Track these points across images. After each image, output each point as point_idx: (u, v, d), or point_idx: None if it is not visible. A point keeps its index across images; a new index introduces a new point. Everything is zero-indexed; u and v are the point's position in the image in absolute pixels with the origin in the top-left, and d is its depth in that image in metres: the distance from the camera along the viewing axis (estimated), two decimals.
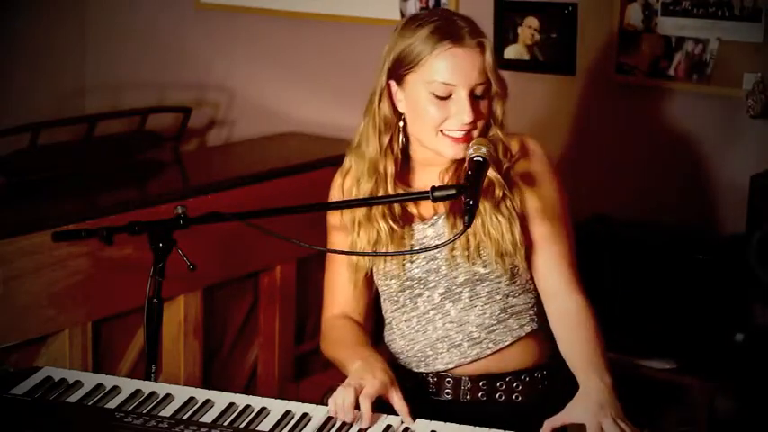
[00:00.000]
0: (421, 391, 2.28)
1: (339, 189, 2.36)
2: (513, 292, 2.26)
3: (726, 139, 3.24)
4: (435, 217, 2.25)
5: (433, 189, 2.01)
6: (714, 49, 3.17)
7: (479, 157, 2.06)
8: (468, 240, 2.20)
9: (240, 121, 4.25)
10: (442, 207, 2.23)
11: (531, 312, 2.29)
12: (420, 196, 2.16)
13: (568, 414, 1.96)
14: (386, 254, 2.26)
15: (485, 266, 2.21)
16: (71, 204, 3.13)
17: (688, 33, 3.21)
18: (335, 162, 3.58)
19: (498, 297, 2.25)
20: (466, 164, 2.09)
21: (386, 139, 2.25)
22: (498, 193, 2.19)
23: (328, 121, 3.95)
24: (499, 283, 2.23)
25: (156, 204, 2.98)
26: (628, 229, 3.19)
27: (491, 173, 2.16)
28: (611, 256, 3.09)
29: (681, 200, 3.31)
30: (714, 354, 2.94)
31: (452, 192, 2.00)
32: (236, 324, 3.45)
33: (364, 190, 2.27)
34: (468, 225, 1.96)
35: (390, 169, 2.25)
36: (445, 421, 2.00)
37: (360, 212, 2.26)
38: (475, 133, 2.18)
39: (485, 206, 2.18)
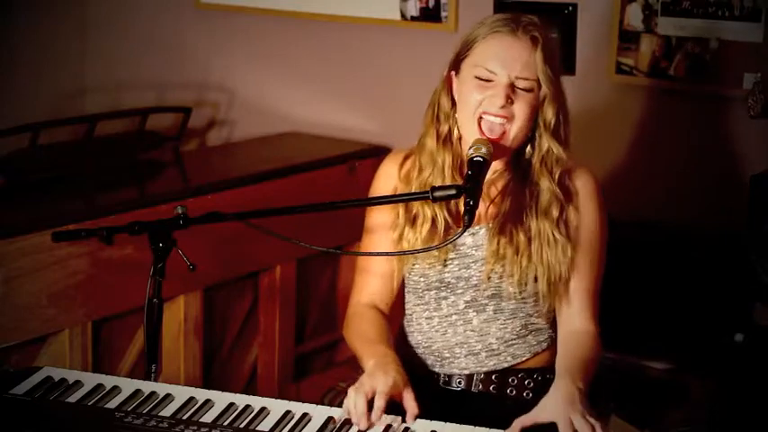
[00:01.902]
0: (432, 380, 2.30)
1: (395, 166, 2.33)
2: (536, 312, 2.28)
3: (726, 139, 3.23)
4: (477, 227, 2.24)
5: (433, 189, 2.01)
6: (714, 49, 3.17)
7: (479, 156, 2.06)
8: (517, 266, 2.20)
9: (240, 121, 4.25)
10: (483, 219, 2.23)
11: (551, 331, 2.32)
12: (420, 196, 2.16)
13: (539, 412, 1.97)
14: (387, 254, 2.27)
15: (514, 287, 2.22)
16: (71, 204, 3.13)
17: (688, 33, 3.21)
18: (335, 162, 3.63)
19: (521, 315, 2.27)
20: (466, 164, 2.09)
21: (444, 129, 2.25)
22: (555, 212, 2.20)
23: (328, 121, 3.95)
24: (525, 304, 2.26)
25: (156, 204, 2.98)
26: (628, 229, 3.18)
27: (549, 185, 2.18)
28: (611, 255, 3.08)
29: (681, 200, 3.30)
30: (714, 354, 2.93)
31: (452, 192, 1.99)
32: (236, 324, 3.45)
33: (422, 178, 2.27)
34: (467, 225, 1.96)
35: (448, 160, 2.25)
36: (454, 410, 2.01)
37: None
38: (511, 128, 2.16)
39: (543, 225, 2.19)
